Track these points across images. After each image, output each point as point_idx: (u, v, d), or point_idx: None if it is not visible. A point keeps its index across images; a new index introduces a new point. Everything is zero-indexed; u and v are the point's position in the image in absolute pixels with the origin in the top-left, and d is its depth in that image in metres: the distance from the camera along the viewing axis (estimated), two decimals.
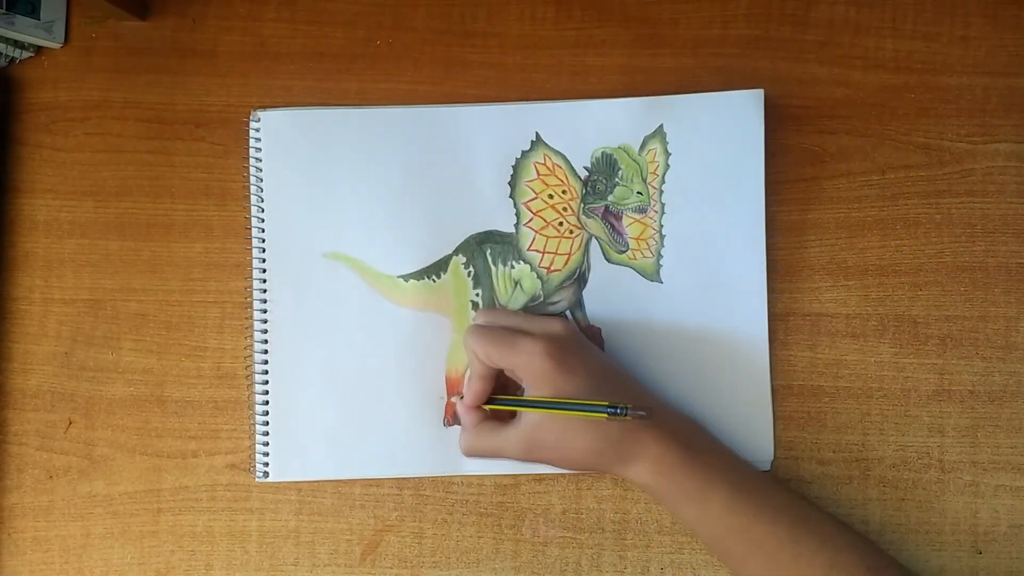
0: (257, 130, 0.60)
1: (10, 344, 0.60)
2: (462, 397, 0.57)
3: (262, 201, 0.60)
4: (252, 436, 0.59)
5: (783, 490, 0.54)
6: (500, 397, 0.55)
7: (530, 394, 0.52)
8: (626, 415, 0.48)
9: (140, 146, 0.61)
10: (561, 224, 0.59)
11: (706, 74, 0.60)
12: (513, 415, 0.54)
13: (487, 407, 0.55)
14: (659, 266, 0.58)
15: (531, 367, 0.52)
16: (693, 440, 0.53)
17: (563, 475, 0.58)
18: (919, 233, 0.59)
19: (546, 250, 0.59)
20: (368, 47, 0.61)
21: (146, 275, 0.60)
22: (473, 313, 0.59)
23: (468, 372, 0.56)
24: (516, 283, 0.59)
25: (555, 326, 0.54)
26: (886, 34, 0.60)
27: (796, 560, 0.50)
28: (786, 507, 0.52)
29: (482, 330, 0.54)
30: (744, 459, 0.55)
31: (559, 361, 0.51)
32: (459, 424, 0.58)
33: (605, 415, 0.49)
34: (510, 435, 0.53)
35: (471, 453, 0.55)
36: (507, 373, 0.54)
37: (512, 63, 0.60)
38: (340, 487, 0.59)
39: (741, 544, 0.51)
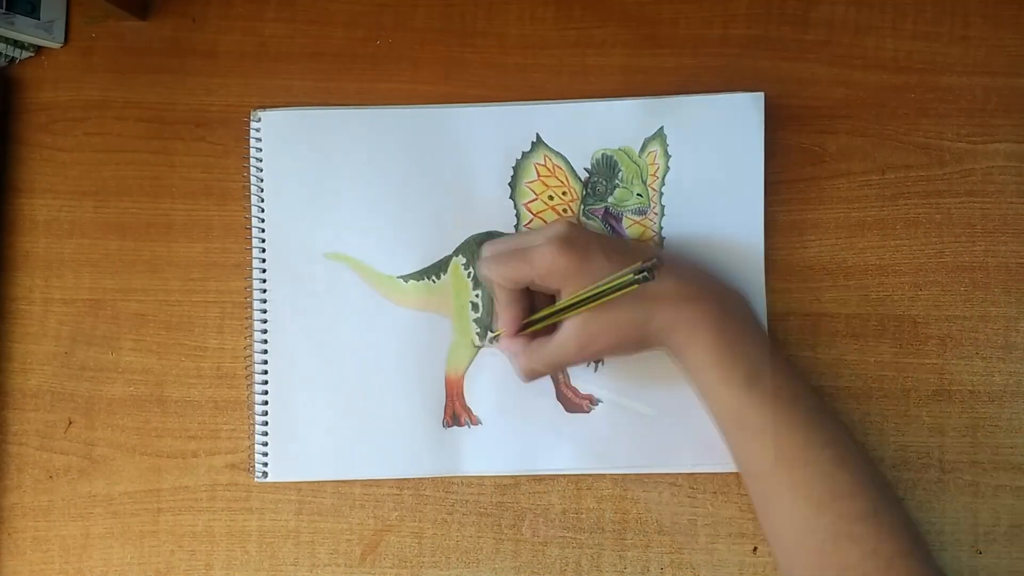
0: (257, 130, 0.60)
1: (10, 344, 0.60)
2: (496, 337, 0.57)
3: (262, 201, 0.60)
4: (252, 436, 0.59)
5: (804, 382, 0.53)
6: (537, 316, 0.54)
7: (562, 298, 0.52)
8: (652, 274, 0.49)
9: (140, 146, 0.61)
10: None
11: (706, 74, 0.60)
12: (554, 327, 0.54)
13: (529, 329, 0.54)
14: None
15: (552, 272, 0.52)
16: (730, 311, 0.53)
17: (563, 475, 0.58)
18: (919, 233, 0.59)
19: None
20: (368, 47, 0.61)
21: (146, 275, 0.60)
22: (474, 314, 0.59)
23: (495, 306, 0.55)
24: None
25: (557, 227, 0.54)
26: (886, 34, 0.60)
27: (805, 448, 0.50)
28: (804, 395, 0.52)
29: (493, 258, 0.54)
30: (773, 344, 0.55)
31: (573, 255, 0.51)
32: (459, 425, 0.58)
33: (634, 284, 0.49)
34: (561, 343, 0.53)
35: (533, 375, 0.55)
36: (533, 288, 0.54)
37: (512, 63, 0.60)
38: (340, 487, 0.59)
39: (753, 423, 0.51)
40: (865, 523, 0.49)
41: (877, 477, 0.51)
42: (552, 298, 0.54)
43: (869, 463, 0.52)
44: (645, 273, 0.49)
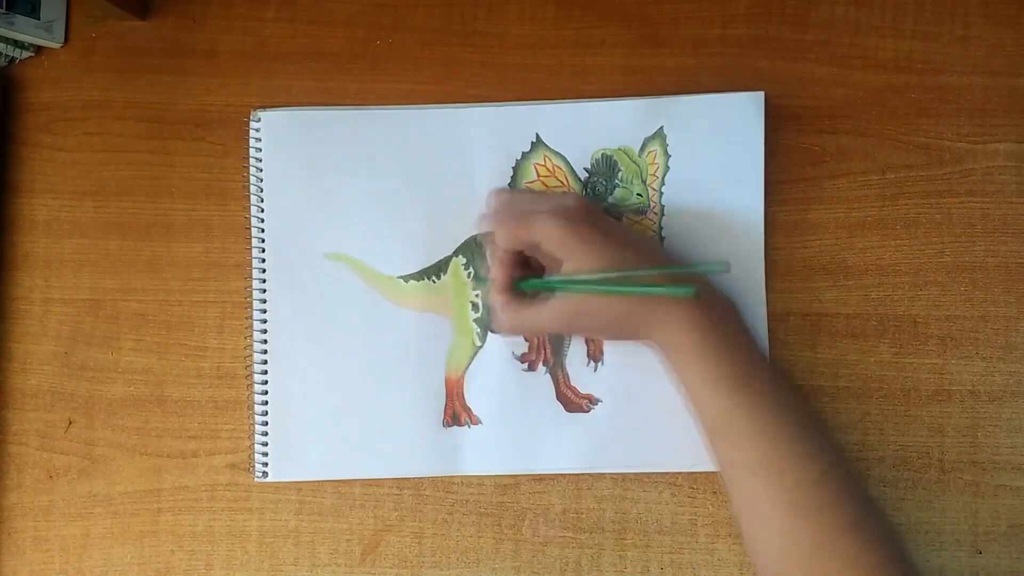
0: (257, 130, 0.60)
1: (10, 344, 0.60)
2: (485, 282, 0.57)
3: (262, 201, 0.60)
4: (252, 436, 0.59)
5: (795, 390, 0.53)
6: (534, 282, 0.54)
7: (554, 271, 0.53)
8: (698, 295, 0.50)
9: (140, 146, 0.61)
10: None
11: (706, 74, 0.60)
12: (538, 292, 0.54)
13: (554, 289, 0.53)
14: None
15: (549, 244, 0.52)
16: (722, 315, 0.53)
17: (563, 475, 0.58)
18: (919, 233, 0.59)
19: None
20: (368, 47, 0.61)
21: (146, 275, 0.60)
22: (474, 314, 0.59)
23: (490, 260, 0.56)
24: None
25: (567, 200, 0.54)
26: (886, 34, 0.60)
27: (789, 457, 0.50)
28: (794, 405, 0.52)
29: (498, 216, 0.54)
30: (763, 351, 0.55)
31: (575, 233, 0.51)
32: (459, 425, 0.58)
33: (693, 294, 0.50)
34: (547, 309, 0.53)
35: (512, 330, 0.55)
36: (527, 252, 0.54)
37: (512, 63, 0.60)
38: (340, 487, 0.59)
39: (739, 428, 0.51)
40: (848, 535, 0.48)
41: (862, 489, 0.51)
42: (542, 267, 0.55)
43: (855, 476, 0.52)
44: (696, 288, 0.50)
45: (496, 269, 0.55)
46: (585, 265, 0.51)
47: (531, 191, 0.58)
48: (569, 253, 0.52)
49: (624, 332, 0.53)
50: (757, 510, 0.50)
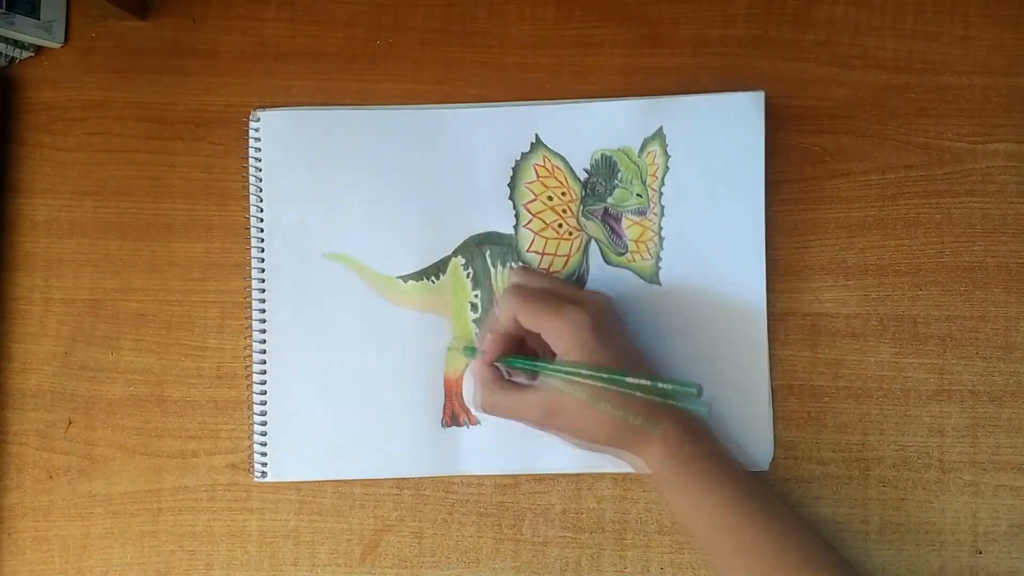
0: (257, 130, 0.60)
1: (10, 344, 0.60)
2: (475, 353, 0.56)
3: (261, 201, 0.60)
4: (252, 436, 0.59)
5: (779, 501, 0.54)
6: (529, 364, 0.53)
7: (552, 355, 0.52)
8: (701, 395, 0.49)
9: (140, 146, 0.61)
10: (560, 226, 0.59)
11: (706, 74, 0.60)
12: (527, 377, 0.53)
13: (561, 378, 0.52)
14: (658, 268, 0.58)
15: (574, 336, 0.51)
16: (703, 434, 0.53)
17: (563, 475, 0.58)
18: (919, 233, 0.59)
19: (545, 252, 0.59)
20: (368, 47, 0.61)
21: (146, 275, 0.60)
22: (472, 314, 0.59)
23: (488, 326, 0.55)
24: None
25: (598, 297, 0.53)
26: (886, 34, 0.60)
27: (779, 569, 0.50)
28: (778, 517, 0.52)
29: (524, 291, 0.53)
30: (743, 464, 0.55)
31: (600, 333, 0.51)
32: (457, 425, 0.58)
33: (695, 393, 0.49)
34: (529, 398, 0.52)
35: (488, 410, 0.54)
36: (533, 338, 0.53)
37: (512, 63, 0.60)
38: (340, 487, 0.59)
39: (730, 544, 0.51)
40: None
41: None
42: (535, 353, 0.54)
43: (844, 564, 0.52)
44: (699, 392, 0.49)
45: (493, 340, 0.54)
46: (597, 364, 0.50)
47: (556, 279, 0.57)
48: (587, 351, 0.50)
49: (600, 442, 0.53)
50: None
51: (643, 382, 0.49)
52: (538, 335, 0.52)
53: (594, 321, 0.51)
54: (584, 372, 0.50)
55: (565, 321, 0.51)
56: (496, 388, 0.53)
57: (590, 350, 0.50)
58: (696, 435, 0.52)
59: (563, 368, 0.51)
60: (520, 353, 0.55)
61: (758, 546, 0.50)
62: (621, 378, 0.49)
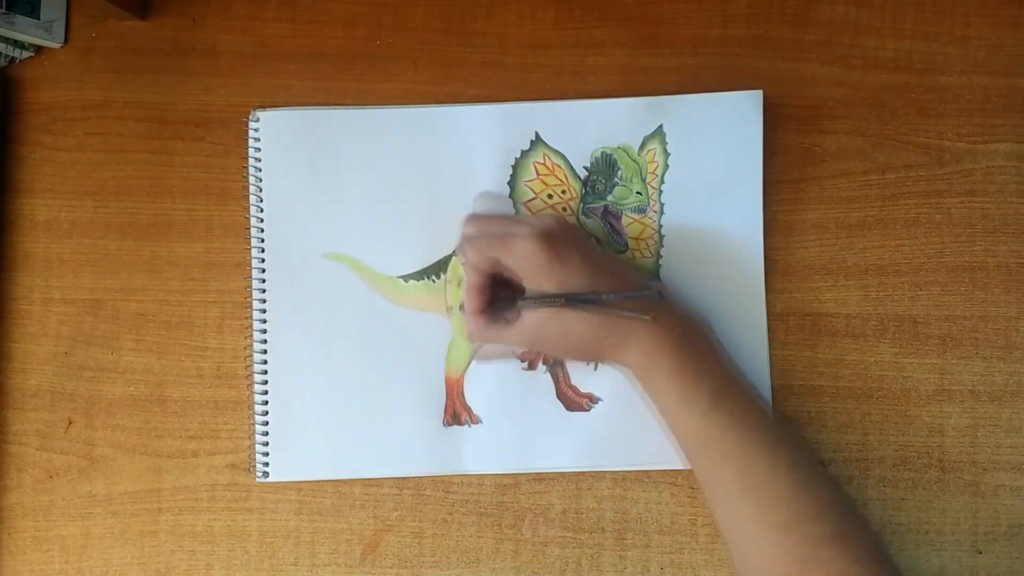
0: (257, 130, 0.60)
1: (10, 344, 0.60)
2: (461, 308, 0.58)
3: (261, 201, 0.60)
4: (252, 436, 0.59)
5: (766, 406, 0.53)
6: (530, 299, 0.53)
7: (529, 290, 0.53)
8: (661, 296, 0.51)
9: (140, 146, 0.61)
10: None
11: (706, 74, 0.60)
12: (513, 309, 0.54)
13: (525, 309, 0.53)
14: (658, 266, 0.58)
15: (528, 263, 0.52)
16: (691, 334, 0.53)
17: (563, 475, 0.58)
18: (919, 233, 0.59)
19: None
20: (368, 47, 0.61)
21: (146, 275, 0.60)
22: (477, 327, 0.59)
23: (466, 284, 0.55)
24: None
25: (544, 220, 0.54)
26: (886, 34, 0.60)
27: (769, 472, 0.50)
28: (767, 423, 0.52)
29: (474, 240, 0.54)
30: (739, 367, 0.56)
31: (553, 253, 0.52)
32: (459, 424, 0.58)
33: (657, 296, 0.50)
34: (514, 332, 0.54)
35: (479, 340, 0.57)
36: (507, 274, 0.54)
37: (512, 63, 0.60)
38: (340, 487, 0.59)
39: (716, 446, 0.51)
40: (832, 545, 0.48)
41: (843, 499, 0.51)
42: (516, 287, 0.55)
43: (835, 485, 0.52)
44: (656, 292, 0.50)
45: (471, 291, 0.54)
46: (559, 284, 0.52)
47: (505, 216, 0.58)
48: (543, 273, 0.52)
49: (591, 352, 0.54)
50: (741, 526, 0.51)
51: (602, 296, 0.51)
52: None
53: (543, 244, 0.52)
54: (548, 299, 0.52)
55: (517, 253, 0.52)
56: (483, 329, 0.55)
57: (547, 272, 0.52)
58: (682, 330, 0.52)
59: (533, 299, 0.52)
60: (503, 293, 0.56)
61: (746, 449, 0.50)
62: (581, 300, 0.51)
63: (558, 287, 0.52)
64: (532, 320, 0.53)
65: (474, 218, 0.57)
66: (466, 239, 0.55)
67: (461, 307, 0.58)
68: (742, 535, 0.51)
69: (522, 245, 0.52)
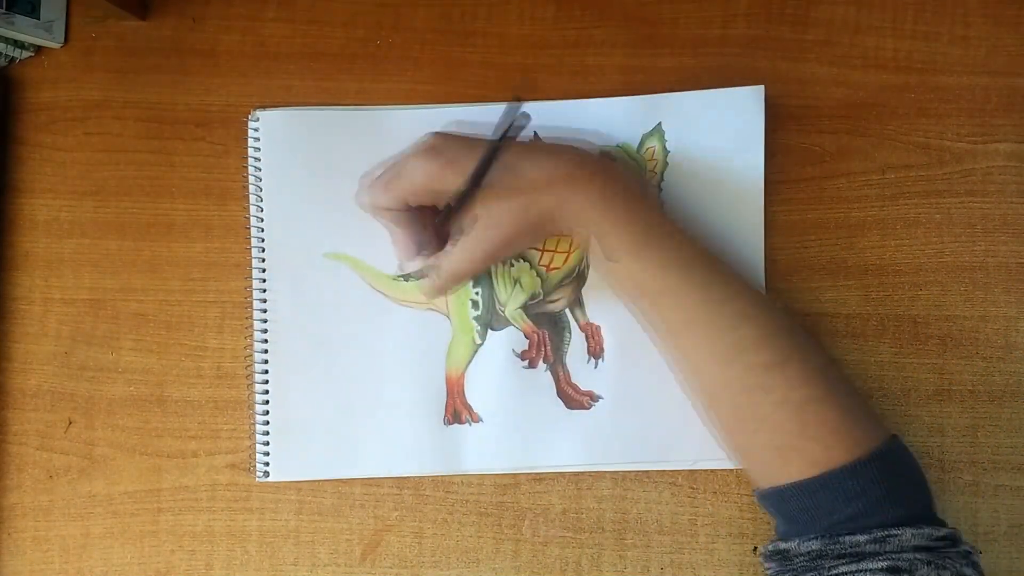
0: (256, 130, 0.60)
1: (10, 344, 0.60)
2: (407, 276, 0.57)
3: (261, 201, 0.60)
4: (252, 436, 0.59)
5: (700, 245, 0.53)
6: (443, 209, 0.53)
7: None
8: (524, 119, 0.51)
9: (140, 146, 0.61)
10: None
11: (706, 74, 0.60)
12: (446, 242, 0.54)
13: (448, 223, 0.53)
14: None
15: (430, 170, 0.52)
16: (612, 182, 0.53)
17: (563, 475, 0.58)
18: (919, 233, 0.59)
19: (545, 248, 0.58)
20: (368, 47, 0.61)
21: (146, 275, 0.60)
22: (473, 312, 0.59)
23: (391, 237, 0.55)
24: (516, 281, 0.59)
25: (422, 137, 0.54)
26: (886, 34, 0.60)
27: (704, 306, 0.51)
28: (701, 261, 0.52)
29: (369, 186, 0.54)
30: (664, 212, 0.56)
31: (443, 158, 0.52)
32: (459, 422, 0.58)
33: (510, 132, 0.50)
34: (459, 251, 0.53)
35: (443, 290, 0.56)
36: (420, 198, 0.53)
37: (512, 63, 0.60)
38: (340, 487, 0.59)
39: (651, 287, 0.52)
40: (774, 372, 0.49)
41: (787, 328, 0.52)
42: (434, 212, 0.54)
43: (779, 314, 0.52)
44: (519, 114, 0.50)
45: (395, 239, 0.55)
46: (463, 175, 0.51)
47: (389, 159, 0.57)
48: (445, 180, 0.51)
49: (535, 231, 0.53)
50: (686, 363, 0.53)
51: (496, 141, 0.50)
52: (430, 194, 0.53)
53: (428, 157, 0.52)
54: (460, 189, 0.51)
55: (411, 178, 0.52)
56: (435, 266, 0.54)
57: (440, 167, 0.51)
58: (607, 180, 0.52)
59: (447, 207, 0.52)
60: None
61: (684, 286, 0.51)
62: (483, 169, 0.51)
63: (465, 177, 0.51)
64: (473, 229, 0.52)
65: (363, 176, 0.57)
66: (363, 191, 0.55)
67: (406, 277, 0.57)
68: (689, 371, 0.53)
69: (412, 166, 0.52)
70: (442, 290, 0.55)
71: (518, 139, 0.52)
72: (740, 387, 0.50)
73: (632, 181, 0.55)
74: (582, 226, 0.52)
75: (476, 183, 0.51)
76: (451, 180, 0.51)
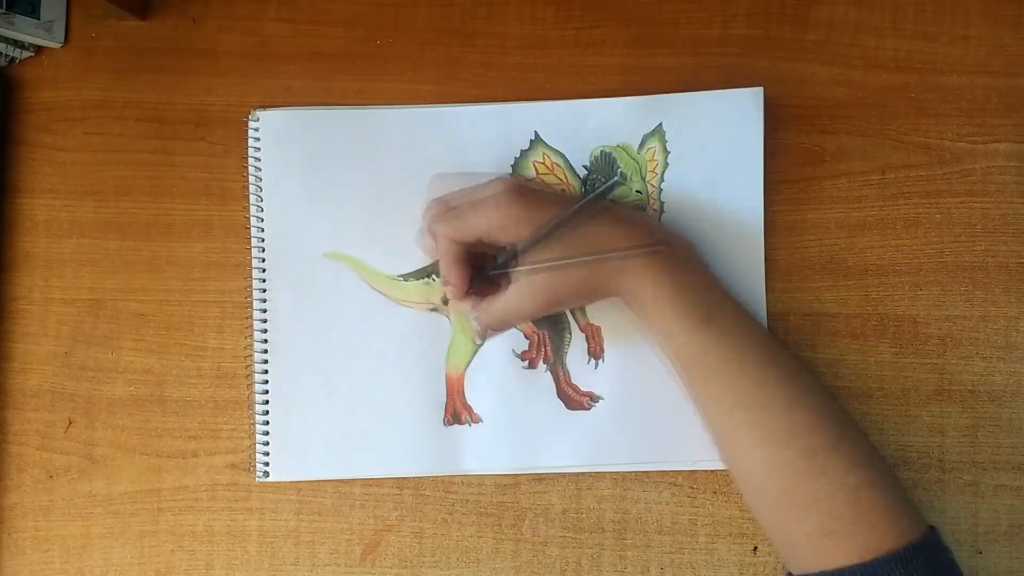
0: (256, 130, 0.60)
1: (10, 344, 0.60)
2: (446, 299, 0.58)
3: (262, 201, 0.60)
4: (252, 436, 0.59)
5: (759, 325, 0.54)
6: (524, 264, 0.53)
7: (508, 250, 0.53)
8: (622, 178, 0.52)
9: (140, 146, 0.61)
10: None
11: (706, 74, 0.60)
12: (500, 286, 0.54)
13: (521, 266, 0.53)
14: None
15: (506, 218, 0.52)
16: (683, 255, 0.53)
17: (563, 475, 0.58)
18: (919, 233, 0.59)
19: None
20: (368, 47, 0.61)
21: (146, 275, 0.60)
22: (474, 312, 0.59)
23: (441, 267, 0.55)
24: None
25: (504, 179, 0.54)
26: (886, 34, 0.60)
27: (760, 387, 0.51)
28: (759, 340, 0.52)
29: (444, 215, 0.54)
30: (729, 287, 0.56)
31: (526, 203, 0.52)
32: (459, 423, 0.58)
33: (606, 193, 0.53)
34: (512, 297, 0.53)
35: (494, 326, 0.55)
36: (480, 246, 0.54)
37: (512, 63, 0.60)
38: (340, 487, 0.59)
39: (709, 362, 0.51)
40: (827, 456, 0.49)
41: (837, 412, 0.52)
42: (495, 257, 0.54)
43: (829, 398, 0.52)
44: (616, 179, 0.52)
45: (451, 271, 0.54)
46: (537, 223, 0.52)
47: (463, 189, 0.57)
48: (523, 222, 0.52)
49: (592, 292, 0.53)
50: (736, 444, 0.52)
51: (575, 207, 0.52)
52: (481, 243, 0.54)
53: (517, 194, 0.52)
54: (527, 241, 0.51)
55: (492, 212, 0.52)
56: (481, 310, 0.54)
57: (525, 219, 0.51)
58: (677, 253, 0.53)
59: (517, 252, 0.52)
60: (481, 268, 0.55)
61: (736, 365, 0.51)
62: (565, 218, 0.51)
63: (535, 231, 0.52)
64: (524, 280, 0.52)
65: (436, 200, 0.57)
66: (436, 218, 0.55)
67: (445, 301, 0.58)
68: (737, 450, 0.52)
69: (494, 202, 0.52)
70: (482, 336, 0.57)
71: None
72: (791, 471, 0.49)
73: (695, 255, 0.55)
74: (641, 297, 0.52)
75: (544, 239, 0.51)
76: (521, 232, 0.52)
